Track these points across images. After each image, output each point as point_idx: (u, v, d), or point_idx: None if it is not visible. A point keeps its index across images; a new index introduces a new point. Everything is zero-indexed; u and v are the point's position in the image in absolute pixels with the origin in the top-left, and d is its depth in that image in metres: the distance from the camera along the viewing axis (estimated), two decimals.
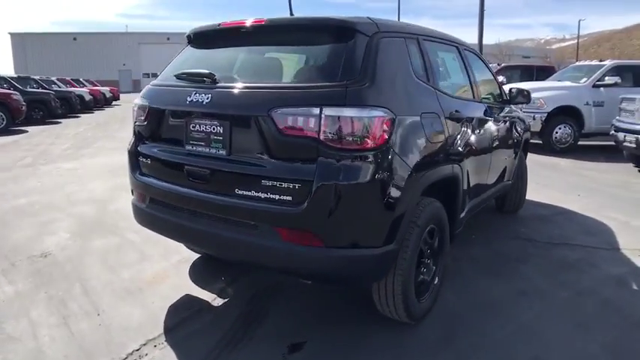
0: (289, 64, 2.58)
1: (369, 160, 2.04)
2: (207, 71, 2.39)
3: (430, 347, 2.39)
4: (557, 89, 9.38)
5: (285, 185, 2.05)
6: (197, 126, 2.36)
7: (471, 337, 2.48)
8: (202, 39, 2.81)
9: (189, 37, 2.85)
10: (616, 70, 9.33)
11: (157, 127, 2.61)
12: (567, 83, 9.64)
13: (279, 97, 2.13)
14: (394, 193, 2.13)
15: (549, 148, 9.02)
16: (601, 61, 10.25)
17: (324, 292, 2.91)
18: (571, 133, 9.10)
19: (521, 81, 11.90)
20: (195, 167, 2.36)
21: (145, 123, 2.67)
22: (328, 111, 1.99)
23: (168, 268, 3.33)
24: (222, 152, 2.28)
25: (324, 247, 2.04)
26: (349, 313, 2.69)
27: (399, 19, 38.26)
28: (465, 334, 2.50)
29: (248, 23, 2.44)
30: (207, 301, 2.83)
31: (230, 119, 2.24)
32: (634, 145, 6.94)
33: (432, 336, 2.48)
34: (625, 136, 7.12)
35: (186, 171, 2.39)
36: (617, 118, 7.55)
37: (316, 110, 2.01)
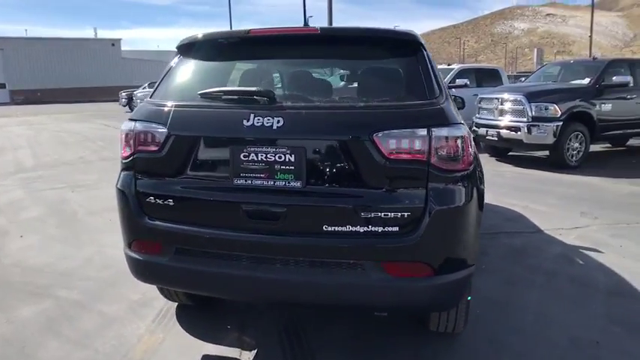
0: (358, 79, 2.37)
1: (471, 178, 2.03)
2: (261, 89, 2.06)
3: (486, 350, 2.48)
4: None
5: (391, 215, 1.89)
6: (252, 155, 1.99)
7: (507, 330, 2.65)
8: (215, 49, 2.38)
9: (186, 46, 2.40)
10: (462, 73, 10.85)
11: (180, 159, 2.12)
12: None
13: (379, 118, 1.95)
14: (483, 208, 2.15)
15: None
16: (449, 65, 11.81)
17: (346, 318, 2.77)
18: None
19: None
20: (257, 204, 2.01)
21: (161, 154, 2.14)
22: (437, 131, 1.91)
23: (151, 327, 2.76)
24: (296, 184, 1.97)
25: (434, 275, 1.95)
26: (391, 337, 2.61)
27: (230, 26, 38.13)
28: (500, 331, 2.64)
29: (295, 32, 2.17)
30: (236, 358, 2.44)
31: (307, 145, 1.96)
32: (496, 138, 8.17)
33: (477, 340, 2.57)
34: (487, 131, 8.32)
35: (243, 210, 2.01)
36: (477, 115, 8.77)
37: (423, 131, 1.90)
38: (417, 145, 1.91)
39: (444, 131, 1.93)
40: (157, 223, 2.16)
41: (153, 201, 2.16)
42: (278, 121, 1.96)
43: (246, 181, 2.02)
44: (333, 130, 1.96)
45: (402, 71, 2.26)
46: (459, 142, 1.95)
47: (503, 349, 2.48)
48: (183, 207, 2.14)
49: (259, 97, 2.05)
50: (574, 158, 7.65)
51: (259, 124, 1.97)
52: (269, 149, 1.98)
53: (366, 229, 1.92)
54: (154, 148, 2.16)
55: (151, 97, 2.34)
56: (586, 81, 7.99)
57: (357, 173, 1.95)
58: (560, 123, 7.40)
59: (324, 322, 2.75)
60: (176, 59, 2.43)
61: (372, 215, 1.91)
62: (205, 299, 2.89)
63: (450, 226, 1.97)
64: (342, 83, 2.33)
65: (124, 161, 2.28)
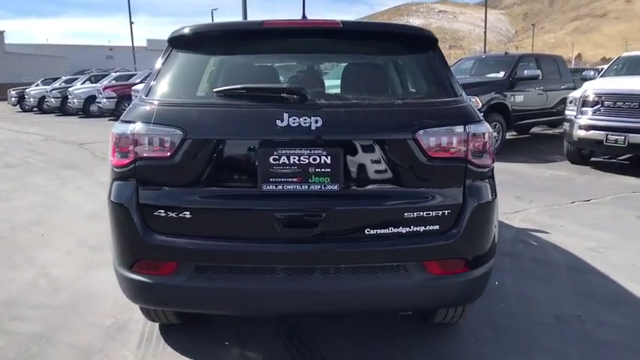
0: (381, 76, 2.30)
1: (493, 172, 2.12)
2: (291, 86, 1.96)
3: (485, 332, 2.59)
4: None
5: (432, 213, 1.90)
6: (284, 158, 1.86)
7: (497, 313, 2.81)
8: (222, 42, 2.20)
9: (183, 38, 2.16)
10: None
11: (198, 165, 1.91)
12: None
13: (419, 116, 1.94)
14: None
15: None
16: None
17: (347, 319, 2.74)
18: None
19: None
20: (291, 211, 1.89)
21: (173, 161, 1.90)
22: (471, 128, 1.95)
23: (139, 354, 2.48)
24: (333, 187, 1.88)
25: (470, 269, 2.00)
26: (394, 326, 2.64)
27: (130, 17, 35.81)
28: (491, 314, 2.78)
29: (314, 25, 2.08)
30: None
31: (344, 145, 1.88)
32: None
33: (474, 324, 2.68)
34: None
35: (277, 218, 1.87)
36: None
37: (460, 128, 1.93)
38: (456, 142, 1.95)
39: (476, 128, 1.99)
40: (170, 239, 1.93)
41: (163, 214, 1.92)
42: (316, 121, 1.86)
43: (276, 186, 1.89)
44: (375, 128, 1.93)
45: (428, 69, 2.27)
46: (486, 137, 2.03)
47: (501, 331, 2.63)
48: (203, 219, 1.94)
49: (289, 94, 1.91)
50: (493, 147, 8.29)
51: (295, 124, 1.85)
52: (303, 151, 1.87)
53: (408, 229, 1.91)
54: (164, 153, 1.91)
55: (146, 96, 2.07)
56: (501, 74, 8.70)
57: (397, 173, 1.93)
58: (482, 114, 7.96)
59: (326, 325, 2.69)
60: (170, 53, 2.18)
61: (414, 215, 1.91)
62: (193, 316, 2.68)
63: (484, 221, 2.05)
64: (369, 78, 2.29)
65: (118, 170, 2.00)
